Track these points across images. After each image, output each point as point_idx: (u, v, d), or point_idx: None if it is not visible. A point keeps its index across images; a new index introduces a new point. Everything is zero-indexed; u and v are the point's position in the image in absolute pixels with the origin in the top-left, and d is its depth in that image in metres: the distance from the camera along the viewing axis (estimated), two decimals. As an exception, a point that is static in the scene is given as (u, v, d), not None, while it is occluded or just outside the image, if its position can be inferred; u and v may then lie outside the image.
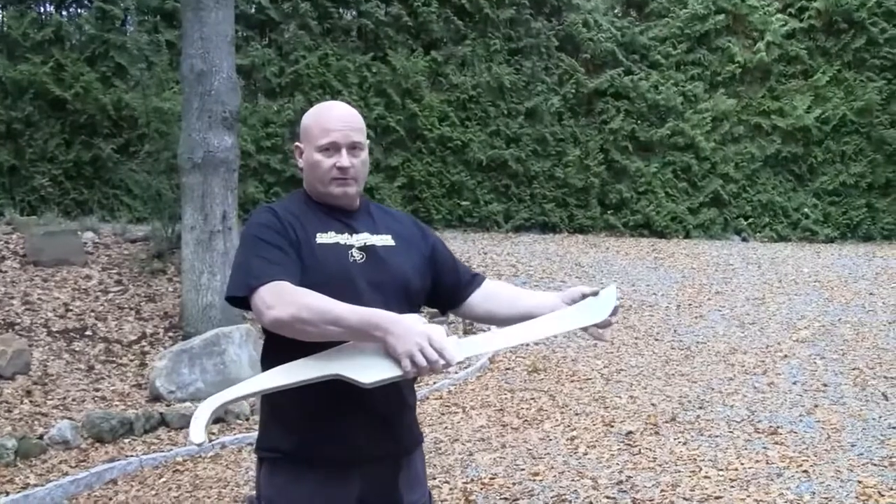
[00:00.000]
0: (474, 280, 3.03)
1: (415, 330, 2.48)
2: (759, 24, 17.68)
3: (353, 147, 2.78)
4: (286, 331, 2.52)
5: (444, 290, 2.98)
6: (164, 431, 7.45)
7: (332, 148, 2.75)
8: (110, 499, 6.35)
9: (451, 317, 9.02)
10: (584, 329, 2.82)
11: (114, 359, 8.68)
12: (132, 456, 6.92)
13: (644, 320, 10.76)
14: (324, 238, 2.73)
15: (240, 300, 2.63)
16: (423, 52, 16.17)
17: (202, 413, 2.54)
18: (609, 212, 16.84)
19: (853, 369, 8.52)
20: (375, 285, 2.68)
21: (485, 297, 3.01)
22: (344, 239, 2.75)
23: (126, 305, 9.84)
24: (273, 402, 2.73)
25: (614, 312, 2.84)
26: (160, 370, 8.01)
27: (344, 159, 2.75)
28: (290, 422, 2.68)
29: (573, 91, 16.83)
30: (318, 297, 2.50)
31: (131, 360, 8.74)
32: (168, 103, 12.21)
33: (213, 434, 7.21)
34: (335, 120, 2.78)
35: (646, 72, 17.28)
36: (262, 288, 2.54)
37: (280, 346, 2.61)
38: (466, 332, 9.53)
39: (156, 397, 7.95)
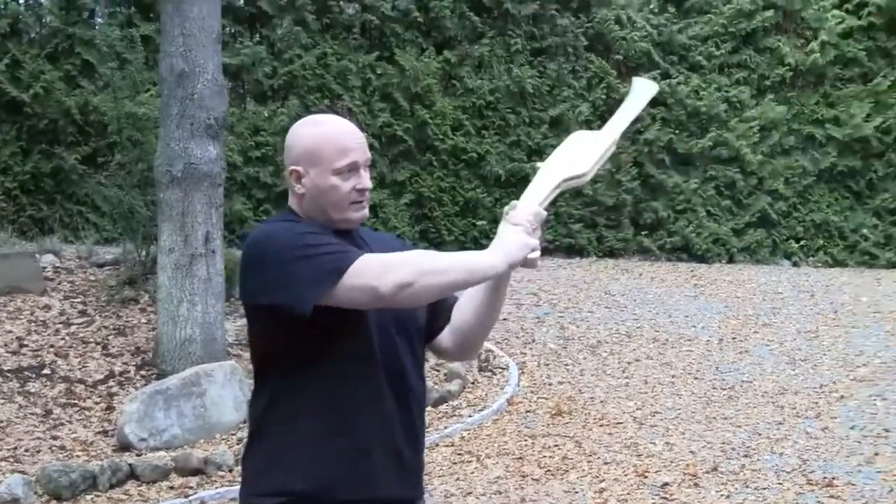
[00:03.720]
0: (451, 308, 2.99)
1: (514, 234, 2.68)
2: (812, 22, 17.69)
3: (368, 165, 2.83)
4: (407, 294, 2.56)
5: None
6: (134, 486, 7.31)
7: (351, 169, 2.77)
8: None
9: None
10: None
11: (76, 402, 8.59)
12: (95, 515, 6.85)
13: (682, 356, 10.70)
14: None
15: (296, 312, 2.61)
16: (435, 52, 16.26)
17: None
18: (643, 233, 16.86)
19: (920, 413, 8.44)
20: (389, 319, 2.74)
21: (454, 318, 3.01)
22: None
23: (91, 340, 9.76)
24: (277, 442, 2.75)
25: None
26: (130, 414, 7.92)
27: (365, 180, 2.79)
28: (302, 461, 2.70)
29: (603, 97, 16.87)
30: (419, 251, 2.71)
31: (96, 403, 8.64)
32: (143, 108, 12.13)
33: (191, 488, 7.14)
34: (350, 137, 2.79)
35: (685, 75, 17.34)
36: (353, 267, 2.57)
37: (283, 390, 2.73)
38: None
39: (124, 446, 7.83)
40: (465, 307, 2.93)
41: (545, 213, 2.79)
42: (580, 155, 3.01)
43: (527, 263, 2.69)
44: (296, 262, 2.59)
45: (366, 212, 2.83)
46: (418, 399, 2.85)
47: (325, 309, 2.56)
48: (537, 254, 2.68)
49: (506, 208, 2.80)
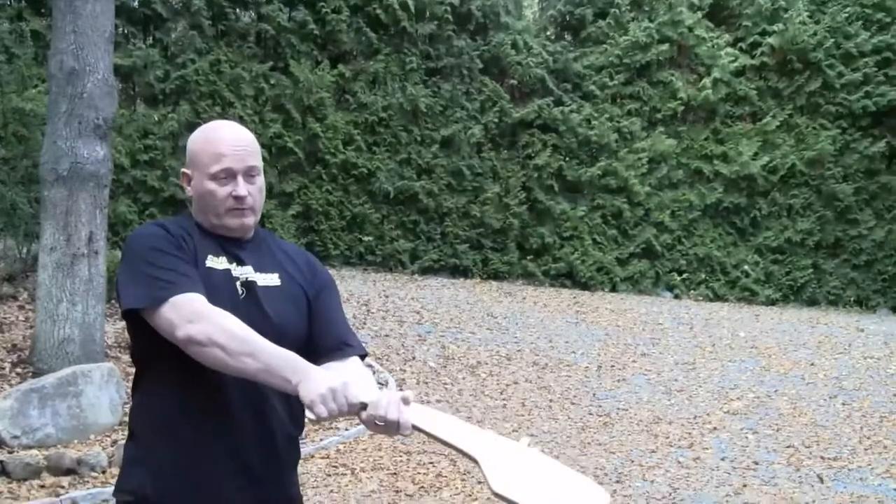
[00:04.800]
0: (340, 351, 2.87)
1: (333, 388, 2.49)
2: (706, 58, 18.04)
3: (250, 173, 2.82)
4: (195, 351, 2.55)
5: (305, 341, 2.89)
6: (4, 483, 7.28)
7: (226, 175, 2.78)
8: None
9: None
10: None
11: (-52, 396, 8.50)
12: (-38, 512, 6.80)
13: (560, 381, 10.88)
14: (214, 262, 2.78)
15: (133, 314, 2.67)
16: (330, 65, 16.28)
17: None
18: (528, 258, 17.04)
19: (787, 447, 8.75)
20: (252, 327, 2.68)
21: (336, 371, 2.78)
22: (233, 269, 2.80)
23: (-34, 335, 9.66)
24: (142, 443, 2.78)
25: None
26: (4, 411, 7.85)
27: (241, 187, 2.78)
28: (156, 465, 2.72)
29: (496, 120, 17.03)
30: (240, 324, 2.57)
31: (-31, 399, 8.56)
32: (30, 104, 11.99)
33: (63, 488, 7.12)
34: (228, 143, 2.80)
35: (578, 103, 17.51)
36: (175, 299, 2.58)
37: (148, 392, 2.77)
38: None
39: (-4, 443, 7.81)
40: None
41: (409, 432, 2.51)
42: (519, 476, 2.41)
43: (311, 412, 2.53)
44: (137, 272, 2.67)
45: (246, 220, 2.82)
46: (278, 407, 2.79)
47: None
48: (310, 415, 2.53)
49: (407, 393, 2.55)
